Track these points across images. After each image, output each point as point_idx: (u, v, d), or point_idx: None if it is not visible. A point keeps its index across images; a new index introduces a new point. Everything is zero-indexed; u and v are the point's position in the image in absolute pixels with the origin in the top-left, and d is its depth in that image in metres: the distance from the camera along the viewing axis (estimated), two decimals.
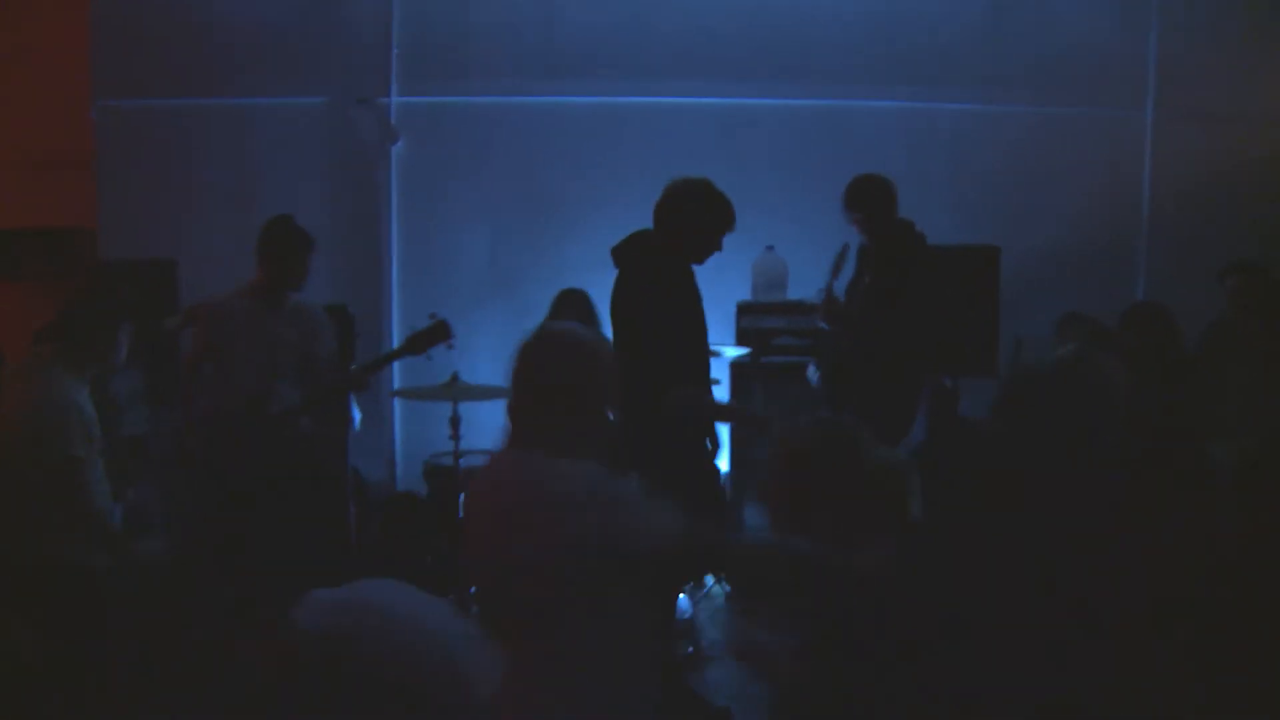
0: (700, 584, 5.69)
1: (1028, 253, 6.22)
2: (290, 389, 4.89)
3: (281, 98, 6.53)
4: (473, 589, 3.28)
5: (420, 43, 6.55)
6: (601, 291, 5.79)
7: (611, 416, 2.55)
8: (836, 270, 5.10)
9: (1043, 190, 6.65)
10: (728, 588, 5.75)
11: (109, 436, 5.01)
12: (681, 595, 5.54)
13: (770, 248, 6.08)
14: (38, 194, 6.85)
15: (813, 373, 5.31)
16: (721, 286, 6.12)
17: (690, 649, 5.04)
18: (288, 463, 4.69)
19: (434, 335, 4.76)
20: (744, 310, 5.98)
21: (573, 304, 5.63)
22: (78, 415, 3.99)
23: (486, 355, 6.22)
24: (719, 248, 4.42)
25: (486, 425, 5.26)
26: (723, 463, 5.36)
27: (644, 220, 6.48)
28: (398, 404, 6.48)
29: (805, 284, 5.95)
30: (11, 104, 6.95)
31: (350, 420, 5.40)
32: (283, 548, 4.40)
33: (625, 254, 4.40)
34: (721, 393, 5.80)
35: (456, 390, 5.23)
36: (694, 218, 4.33)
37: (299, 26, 6.50)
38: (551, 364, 2.55)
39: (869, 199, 5.05)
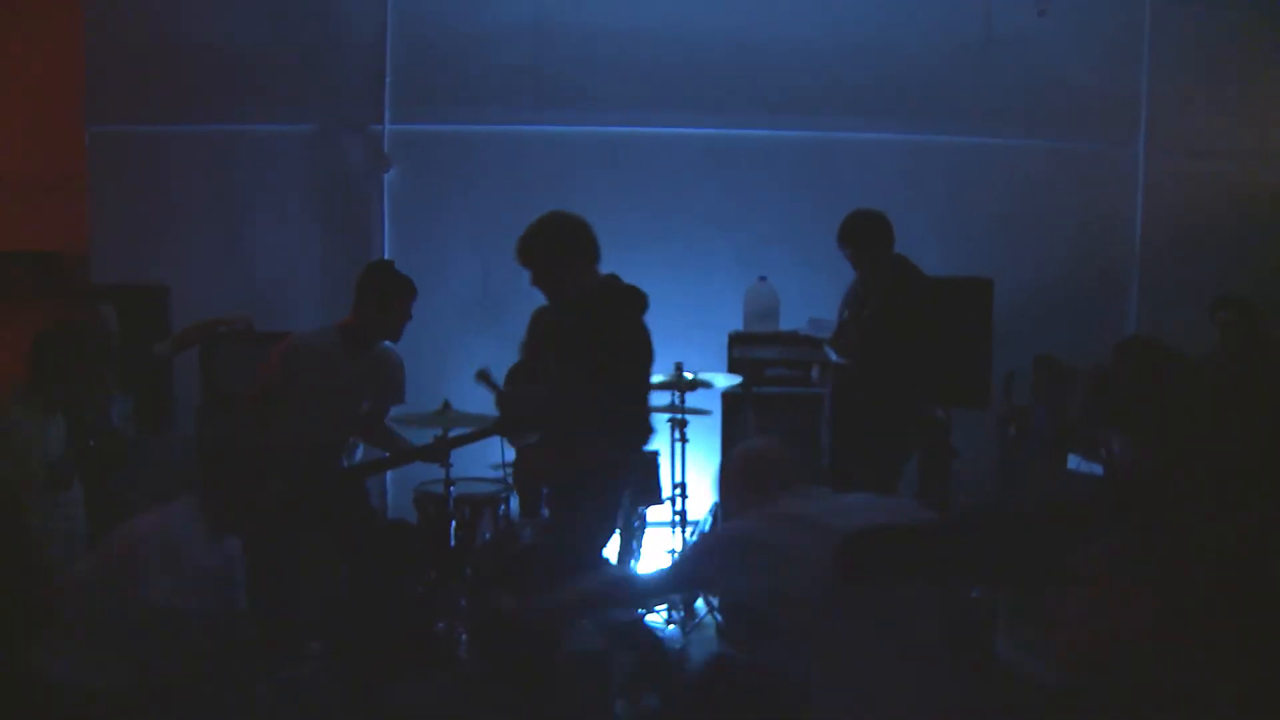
0: (691, 614, 5.66)
1: (1020, 285, 6.23)
2: (355, 442, 4.77)
3: (273, 124, 6.54)
4: None
5: (413, 70, 6.57)
6: None
7: None
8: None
9: (1035, 223, 6.68)
10: (719, 617, 5.72)
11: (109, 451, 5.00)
12: (672, 626, 5.51)
13: (762, 278, 6.08)
14: (30, 217, 6.84)
15: (816, 375, 5.31)
16: (713, 316, 6.14)
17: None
18: (346, 515, 4.55)
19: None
20: (735, 340, 5.97)
21: None
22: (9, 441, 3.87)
23: (474, 384, 6.21)
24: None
25: (476, 453, 5.23)
26: None
27: (635, 246, 6.52)
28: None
29: (797, 314, 5.95)
30: (5, 127, 6.95)
31: (353, 451, 5.35)
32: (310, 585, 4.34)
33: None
34: (713, 423, 5.79)
35: (447, 418, 5.19)
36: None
37: (292, 53, 6.51)
38: None
39: (862, 234, 5.07)
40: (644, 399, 4.12)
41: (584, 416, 3.82)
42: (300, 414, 4.53)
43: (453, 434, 4.83)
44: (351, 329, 4.67)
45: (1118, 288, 6.85)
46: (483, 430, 4.61)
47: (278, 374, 4.61)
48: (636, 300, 4.07)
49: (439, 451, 4.77)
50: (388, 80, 6.56)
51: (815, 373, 5.35)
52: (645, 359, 4.04)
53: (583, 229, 4.10)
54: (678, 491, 5.52)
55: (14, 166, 6.90)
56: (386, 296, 4.67)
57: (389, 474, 6.55)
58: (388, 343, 4.85)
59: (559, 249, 4.06)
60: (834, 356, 5.18)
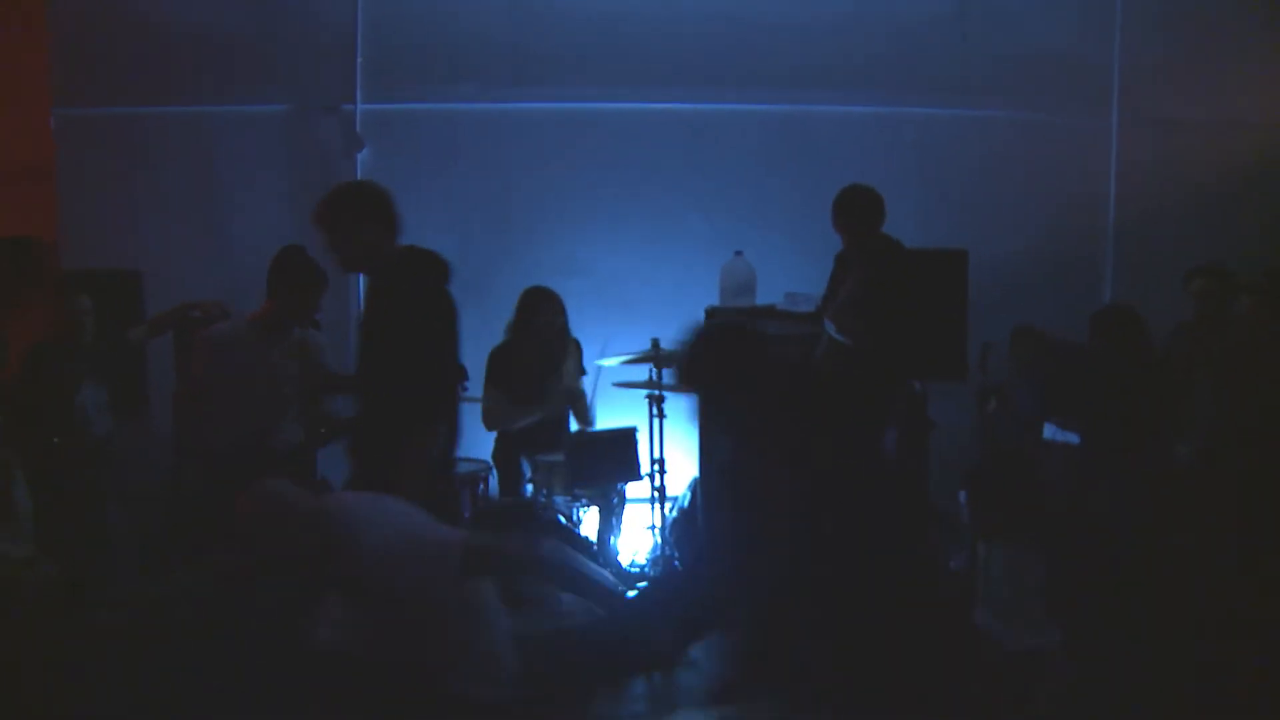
0: None
1: (995, 257, 6.23)
2: (292, 424, 4.80)
3: (244, 105, 6.47)
4: None
5: (385, 49, 6.51)
6: (571, 296, 5.80)
7: None
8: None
9: (1009, 195, 6.69)
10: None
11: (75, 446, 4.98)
12: None
13: (739, 253, 6.06)
14: None
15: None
16: (690, 291, 6.13)
17: None
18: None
19: None
20: (712, 315, 5.96)
21: (549, 301, 5.63)
22: None
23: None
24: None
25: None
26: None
27: (612, 222, 6.51)
28: None
29: (774, 289, 5.95)
30: None
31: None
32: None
33: None
34: (690, 397, 5.79)
35: None
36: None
37: (262, 33, 6.44)
38: None
39: (859, 210, 5.08)
40: (447, 370, 4.02)
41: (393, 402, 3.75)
42: (233, 403, 4.57)
43: None
44: (266, 317, 4.70)
45: (1092, 259, 6.87)
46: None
47: (199, 371, 4.65)
48: (437, 266, 3.97)
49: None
50: (359, 59, 6.51)
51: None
52: (447, 327, 3.95)
53: (383, 197, 4.08)
54: (656, 467, 5.52)
55: None
56: (299, 283, 4.70)
57: None
58: None
59: (357, 215, 4.00)
60: (833, 332, 5.17)
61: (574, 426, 5.90)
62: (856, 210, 5.12)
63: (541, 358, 5.70)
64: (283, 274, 4.73)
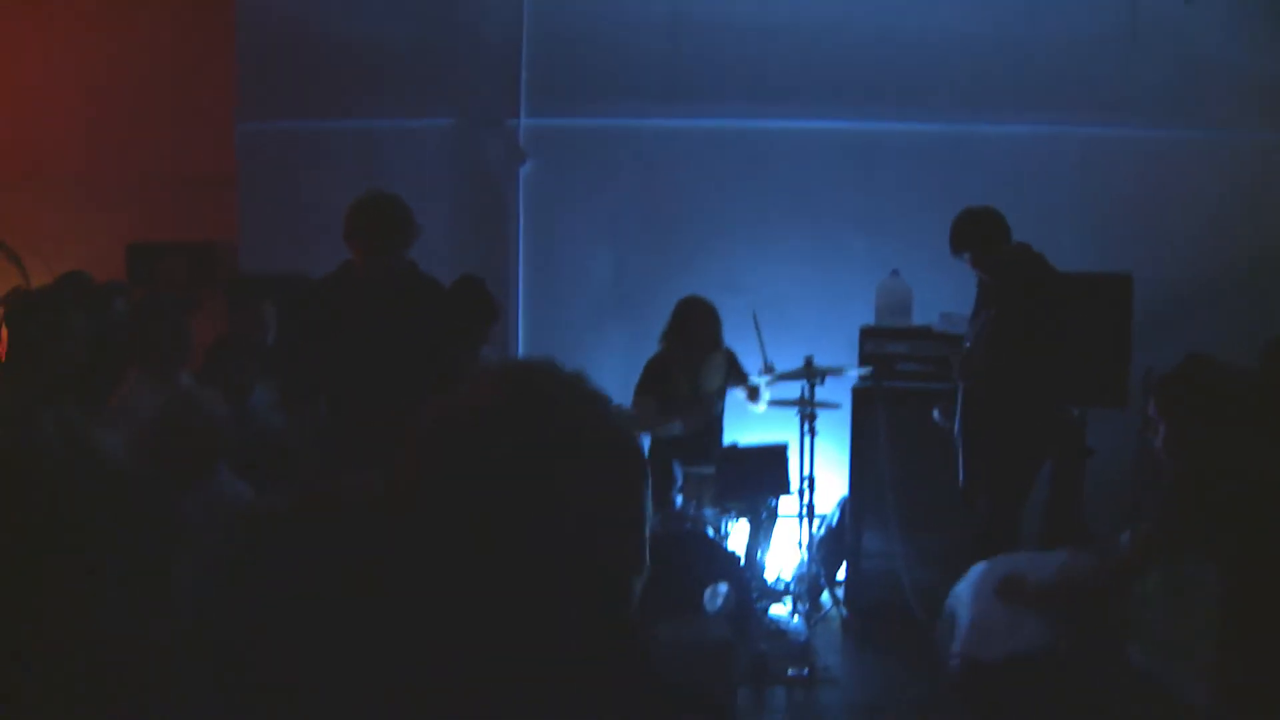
0: (817, 607, 5.68)
1: (1162, 281, 6.04)
2: None
3: (412, 120, 6.72)
4: None
5: (548, 65, 6.68)
6: (728, 313, 5.84)
7: None
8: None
9: (1178, 216, 6.46)
10: (844, 612, 5.72)
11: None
12: (797, 618, 5.54)
13: (895, 272, 6.03)
14: (184, 210, 7.18)
15: (939, 416, 5.24)
16: (846, 310, 6.12)
17: (806, 671, 5.02)
18: None
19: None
20: (867, 334, 5.94)
21: (702, 310, 5.69)
22: None
23: (608, 377, 6.29)
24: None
25: None
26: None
27: (769, 240, 6.53)
28: None
29: (929, 309, 5.90)
30: (161, 124, 7.30)
31: None
32: None
33: None
34: (843, 416, 5.79)
35: None
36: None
37: (430, 49, 6.67)
38: None
39: (971, 236, 4.97)
40: None
41: None
42: None
43: None
44: None
45: (1268, 284, 6.58)
46: None
47: None
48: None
49: None
50: (523, 76, 6.69)
51: (939, 416, 5.26)
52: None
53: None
54: (806, 484, 5.53)
55: (168, 162, 7.27)
56: (472, 315, 5.06)
57: None
58: None
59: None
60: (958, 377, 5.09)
61: (727, 439, 5.94)
62: (971, 237, 4.98)
63: (690, 367, 5.76)
64: (458, 303, 4.95)
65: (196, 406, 3.54)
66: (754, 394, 5.83)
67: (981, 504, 4.96)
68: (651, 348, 5.80)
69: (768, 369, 5.66)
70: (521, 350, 6.74)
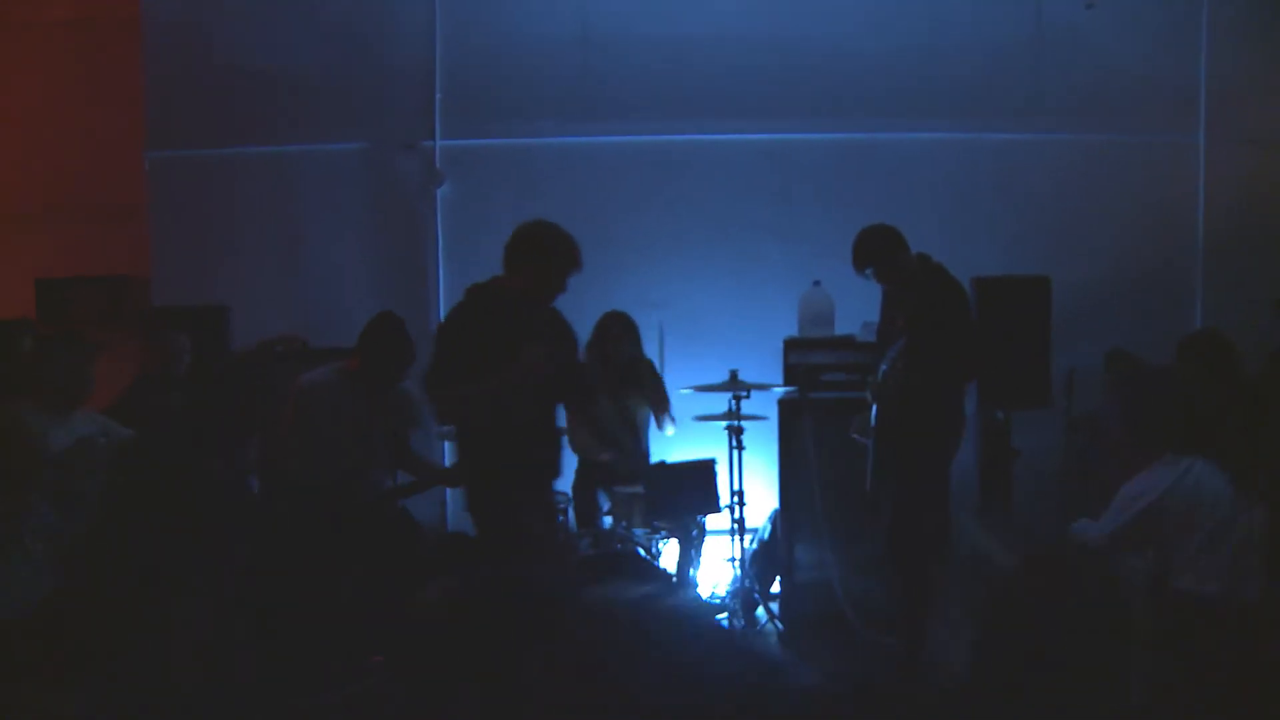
0: (752, 622, 5.63)
1: (1079, 283, 6.12)
2: (380, 469, 4.94)
3: (326, 144, 6.62)
4: None
5: (463, 86, 6.62)
6: (648, 328, 5.82)
7: None
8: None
9: (1093, 219, 6.57)
10: (780, 625, 5.69)
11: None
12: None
13: (817, 283, 6.03)
14: (94, 243, 7.00)
15: (855, 433, 5.25)
16: (768, 322, 6.11)
17: None
18: (374, 541, 4.70)
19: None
20: (791, 346, 5.93)
21: (622, 324, 5.69)
22: None
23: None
24: (563, 289, 4.36)
25: None
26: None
27: (690, 254, 6.52)
28: (447, 446, 6.49)
29: (852, 318, 5.90)
30: (68, 157, 7.12)
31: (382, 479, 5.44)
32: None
33: (480, 295, 4.33)
34: (770, 429, 5.76)
35: None
36: (538, 261, 4.28)
37: (343, 73, 6.60)
38: None
39: (873, 253, 5.00)
40: None
41: None
42: (325, 448, 4.70)
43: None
44: (359, 373, 4.83)
45: (1181, 282, 6.71)
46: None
47: (291, 415, 4.80)
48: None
49: (456, 476, 4.96)
50: (437, 96, 6.62)
51: (854, 432, 5.27)
52: None
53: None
54: (736, 499, 5.49)
55: (78, 195, 7.09)
56: (389, 352, 4.83)
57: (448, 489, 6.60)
58: None
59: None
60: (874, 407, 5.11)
61: (654, 457, 5.89)
62: (872, 252, 5.02)
63: (610, 380, 5.73)
64: (375, 342, 4.82)
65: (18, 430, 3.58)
66: (661, 422, 5.86)
67: (885, 508, 4.97)
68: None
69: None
70: None
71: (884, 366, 5.07)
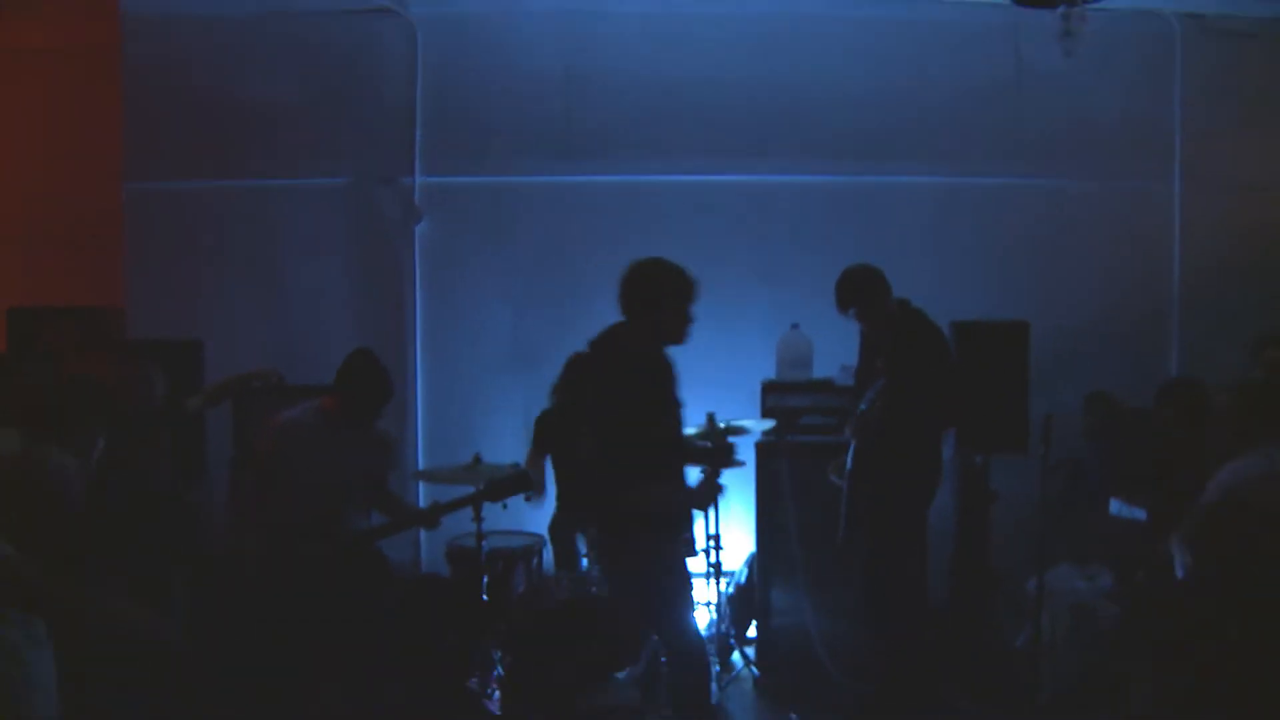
0: (728, 667, 5.59)
1: (1058, 328, 6.13)
2: (356, 509, 4.88)
3: (305, 179, 6.59)
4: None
5: (443, 123, 6.60)
6: None
7: None
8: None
9: (1072, 264, 6.60)
10: (756, 671, 5.64)
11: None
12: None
13: (795, 325, 6.03)
14: (68, 272, 6.93)
15: (833, 476, 5.25)
16: (746, 364, 6.10)
17: None
18: (350, 581, 4.66)
19: (515, 485, 4.64)
20: (769, 389, 5.92)
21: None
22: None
23: (508, 433, 6.20)
24: (692, 321, 4.28)
25: (510, 507, 5.19)
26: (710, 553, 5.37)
27: None
28: (421, 486, 6.43)
29: (830, 362, 5.90)
30: (43, 185, 7.07)
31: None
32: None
33: (605, 348, 4.30)
34: (747, 473, 5.72)
35: (479, 472, 5.17)
36: (662, 299, 4.20)
37: (323, 108, 6.57)
38: None
39: (856, 293, 5.03)
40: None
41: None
42: (299, 487, 4.63)
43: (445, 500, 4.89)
44: (334, 411, 4.77)
45: (1158, 326, 6.74)
46: (469, 497, 4.66)
47: (266, 452, 4.74)
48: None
49: (431, 517, 4.84)
50: (418, 133, 6.61)
51: (832, 475, 5.28)
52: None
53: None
54: (713, 542, 5.45)
55: (53, 223, 7.03)
56: (366, 390, 4.77)
57: (421, 530, 6.55)
58: None
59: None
60: (852, 442, 5.11)
61: None
62: (855, 293, 5.05)
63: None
64: (352, 379, 4.78)
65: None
66: None
67: (859, 553, 4.97)
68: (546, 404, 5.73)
69: None
70: (420, 409, 6.60)
71: (863, 406, 5.08)
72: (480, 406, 6.41)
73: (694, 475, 4.33)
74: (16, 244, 7.03)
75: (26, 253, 7.00)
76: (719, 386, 5.96)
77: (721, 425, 5.08)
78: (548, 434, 5.80)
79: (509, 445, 5.91)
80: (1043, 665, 5.01)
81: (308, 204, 6.61)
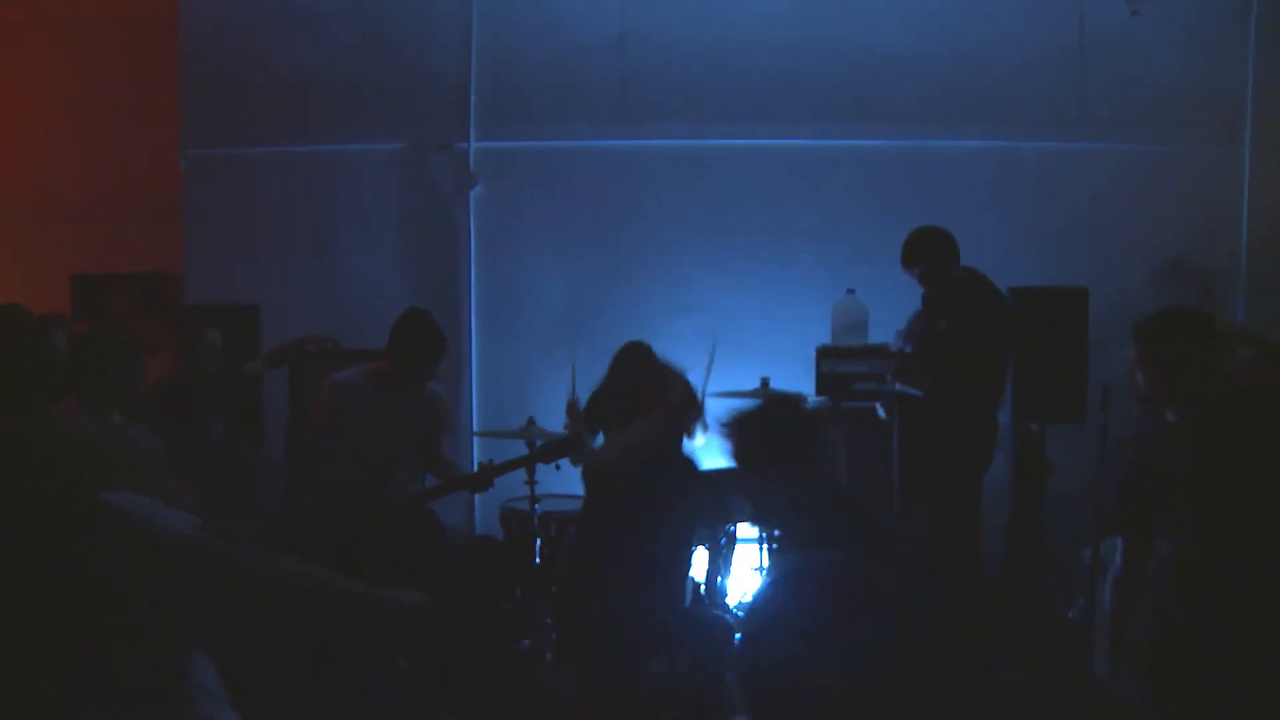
0: None
1: (1118, 294, 6.00)
2: (408, 472, 4.93)
3: (361, 144, 6.61)
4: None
5: (498, 88, 6.59)
6: (681, 334, 5.75)
7: None
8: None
9: (1134, 230, 6.45)
10: None
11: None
12: None
13: (851, 291, 5.97)
14: (128, 240, 7.05)
15: (881, 411, 5.23)
16: (801, 330, 6.05)
17: None
18: (403, 543, 4.69)
19: (566, 446, 4.67)
20: (824, 354, 5.87)
21: (636, 355, 5.61)
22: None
23: (562, 399, 6.19)
24: None
25: (562, 471, 5.21)
26: None
27: (723, 260, 6.45)
28: (476, 447, 6.47)
29: (886, 327, 5.83)
30: (104, 154, 7.18)
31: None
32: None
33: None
34: None
35: (533, 433, 5.19)
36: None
37: (378, 74, 6.58)
38: None
39: (926, 253, 4.98)
40: None
41: None
42: (352, 449, 4.71)
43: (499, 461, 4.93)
44: (387, 372, 4.82)
45: (1223, 293, 6.59)
46: (522, 459, 4.72)
47: (319, 415, 4.81)
48: None
49: (482, 480, 4.88)
50: (473, 98, 6.60)
51: (881, 411, 5.24)
52: None
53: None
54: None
55: (113, 192, 7.14)
56: (418, 348, 4.80)
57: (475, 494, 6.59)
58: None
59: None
60: (899, 388, 5.07)
61: None
62: (925, 252, 5.01)
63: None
64: (404, 337, 4.80)
65: None
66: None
67: (921, 520, 4.93)
68: (604, 368, 5.71)
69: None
70: (475, 374, 6.63)
71: (908, 349, 5.05)
72: (534, 371, 6.41)
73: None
74: (79, 212, 7.16)
75: (89, 221, 7.14)
76: (773, 351, 5.94)
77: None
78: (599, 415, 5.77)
79: (561, 410, 5.91)
80: (1096, 637, 4.95)
81: (363, 170, 6.63)
